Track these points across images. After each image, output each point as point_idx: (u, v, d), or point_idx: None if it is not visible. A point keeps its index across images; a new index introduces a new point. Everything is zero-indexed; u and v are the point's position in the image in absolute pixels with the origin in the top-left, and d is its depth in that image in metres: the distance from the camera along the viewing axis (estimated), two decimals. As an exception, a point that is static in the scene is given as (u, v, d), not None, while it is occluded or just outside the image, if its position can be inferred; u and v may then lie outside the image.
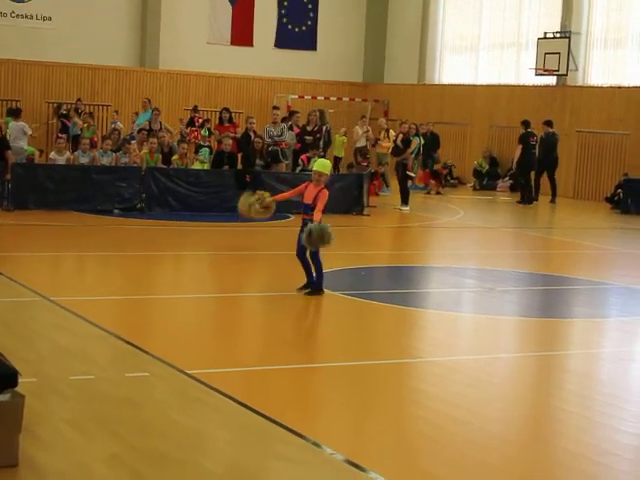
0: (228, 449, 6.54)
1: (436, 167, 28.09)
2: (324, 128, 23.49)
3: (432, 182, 27.77)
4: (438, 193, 27.30)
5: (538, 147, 26.15)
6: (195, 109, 27.21)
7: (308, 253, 11.93)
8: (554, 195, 26.23)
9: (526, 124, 26.15)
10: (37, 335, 9.32)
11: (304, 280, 12.01)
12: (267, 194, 12.52)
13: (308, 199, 11.91)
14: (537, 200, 26.06)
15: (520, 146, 25.92)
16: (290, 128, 22.86)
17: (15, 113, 23.04)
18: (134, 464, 6.09)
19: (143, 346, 8.94)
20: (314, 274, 11.93)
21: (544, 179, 26.32)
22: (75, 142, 25.26)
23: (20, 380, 6.07)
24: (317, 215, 11.63)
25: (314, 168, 12.12)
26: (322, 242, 11.56)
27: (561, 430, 7.51)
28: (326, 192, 11.86)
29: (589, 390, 8.65)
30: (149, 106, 24.69)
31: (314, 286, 11.89)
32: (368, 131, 26.52)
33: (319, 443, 6.63)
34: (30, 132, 22.04)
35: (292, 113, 24.59)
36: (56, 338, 9.22)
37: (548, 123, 26.34)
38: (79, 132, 25.93)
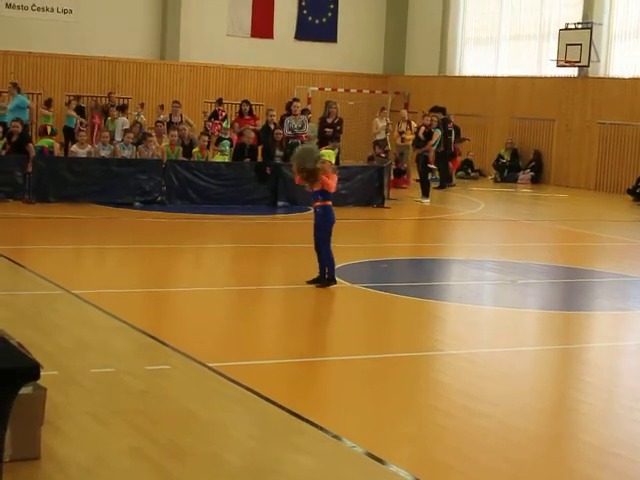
0: (248, 442, 6.54)
1: (455, 146, 27.69)
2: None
3: (453, 161, 27.50)
4: (451, 185, 26.96)
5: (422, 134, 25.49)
6: (220, 102, 27.06)
7: (315, 244, 11.98)
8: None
9: (442, 110, 25.67)
10: (58, 328, 9.35)
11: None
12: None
13: (316, 186, 12.03)
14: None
15: (439, 132, 25.32)
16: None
17: (122, 109, 23.41)
18: (154, 457, 6.10)
19: (163, 339, 8.97)
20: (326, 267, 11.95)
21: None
22: (71, 134, 25.34)
23: (42, 373, 6.08)
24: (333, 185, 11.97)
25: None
26: (309, 158, 11.80)
27: (583, 423, 7.48)
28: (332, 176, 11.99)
29: (611, 383, 8.61)
30: (14, 91, 23.20)
31: (326, 277, 11.92)
32: (388, 124, 26.43)
33: (339, 436, 6.63)
34: (126, 126, 22.29)
35: (304, 111, 24.17)
36: (77, 331, 9.25)
37: (435, 110, 25.78)
38: (73, 125, 26.01)
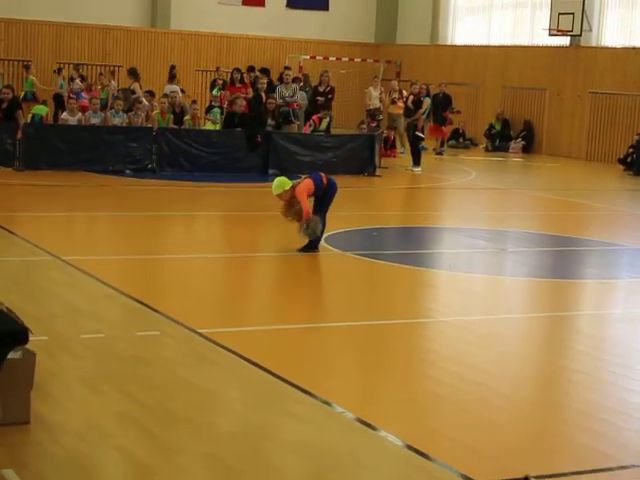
0: (239, 407, 6.56)
1: (445, 114, 27.48)
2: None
3: (442, 130, 27.29)
4: (439, 154, 26.81)
5: None
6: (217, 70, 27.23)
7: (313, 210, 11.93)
8: None
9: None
10: (48, 294, 9.35)
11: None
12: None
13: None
14: None
15: (428, 100, 24.75)
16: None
17: (170, 78, 23.88)
18: (145, 422, 6.12)
19: (154, 305, 8.97)
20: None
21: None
22: (59, 101, 25.22)
23: (31, 338, 6.08)
24: (306, 210, 11.61)
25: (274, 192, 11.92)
26: (315, 233, 11.78)
27: (571, 390, 7.52)
28: (301, 187, 11.72)
29: (599, 350, 8.65)
30: None
31: (310, 243, 11.95)
32: (382, 92, 26.36)
33: (330, 402, 6.65)
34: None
35: (295, 79, 23.93)
36: (67, 297, 9.25)
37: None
38: (64, 92, 25.88)
